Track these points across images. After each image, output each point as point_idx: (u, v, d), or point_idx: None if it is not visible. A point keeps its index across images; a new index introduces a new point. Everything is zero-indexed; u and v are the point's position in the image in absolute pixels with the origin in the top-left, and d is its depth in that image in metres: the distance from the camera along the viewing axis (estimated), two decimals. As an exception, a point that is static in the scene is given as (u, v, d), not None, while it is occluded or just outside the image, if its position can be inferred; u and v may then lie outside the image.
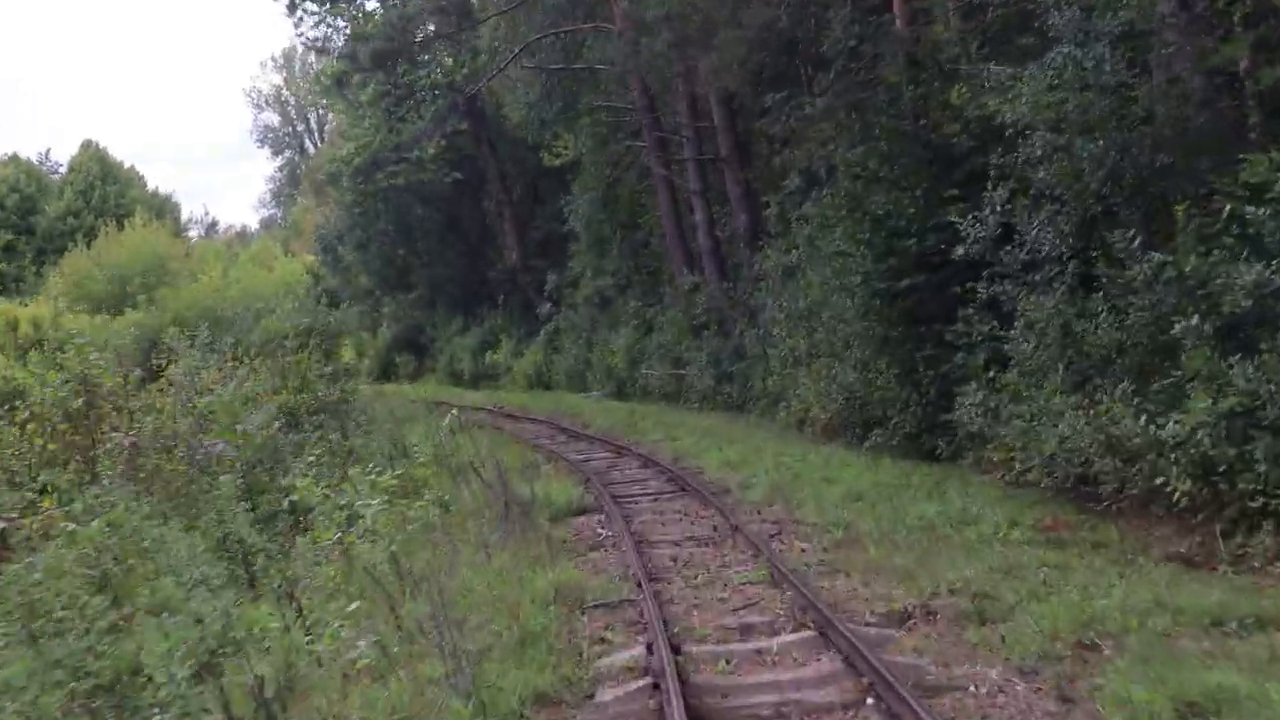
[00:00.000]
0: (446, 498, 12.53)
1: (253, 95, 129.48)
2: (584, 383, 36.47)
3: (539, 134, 39.35)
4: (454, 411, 18.54)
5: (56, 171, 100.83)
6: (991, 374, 13.85)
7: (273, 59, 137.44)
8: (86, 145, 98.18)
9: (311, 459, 13.45)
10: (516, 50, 31.04)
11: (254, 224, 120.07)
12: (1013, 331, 13.36)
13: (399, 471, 12.71)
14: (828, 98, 19.93)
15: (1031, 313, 12.64)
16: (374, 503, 9.37)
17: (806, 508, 12.48)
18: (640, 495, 14.84)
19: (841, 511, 11.85)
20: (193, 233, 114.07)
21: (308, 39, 41.36)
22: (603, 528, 12.53)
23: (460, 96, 47.03)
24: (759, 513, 12.81)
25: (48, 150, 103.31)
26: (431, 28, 44.84)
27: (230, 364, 20.14)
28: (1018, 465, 12.81)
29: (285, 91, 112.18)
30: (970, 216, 13.37)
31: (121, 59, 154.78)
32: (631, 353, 31.77)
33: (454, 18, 46.92)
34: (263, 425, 12.43)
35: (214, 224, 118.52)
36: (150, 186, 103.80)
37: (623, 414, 25.80)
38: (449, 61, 41.92)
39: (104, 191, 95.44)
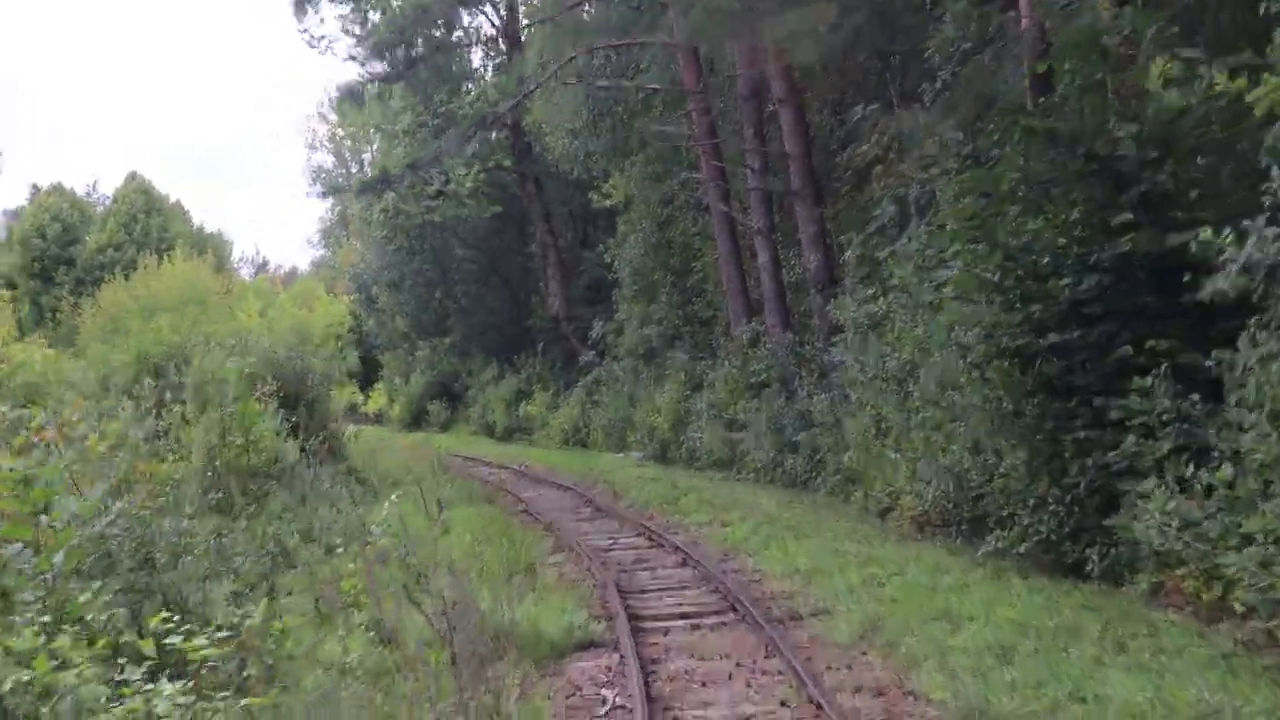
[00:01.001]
0: (385, 623, 8.38)
1: (307, 135, 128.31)
2: (623, 442, 32.35)
3: (584, 167, 35.65)
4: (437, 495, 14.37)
5: (103, 203, 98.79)
6: (1187, 469, 9.63)
7: (328, 97, 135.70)
8: (131, 177, 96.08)
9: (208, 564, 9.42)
10: (562, 62, 27.20)
11: (304, 264, 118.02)
12: (1227, 409, 9.18)
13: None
14: (939, 106, 15.84)
15: (1273, 385, 8.43)
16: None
17: (924, 669, 8.25)
18: (673, 619, 10.68)
19: (984, 684, 7.58)
20: (244, 271, 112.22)
21: (312, 37, 37.63)
22: (609, 685, 8.36)
23: (502, 124, 43.66)
24: (849, 667, 8.62)
25: (94, 182, 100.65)
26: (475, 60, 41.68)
27: (146, 411, 16.26)
28: (1238, 606, 8.61)
29: (339, 132, 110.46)
30: (1226, 233, 8.92)
31: (182, 103, 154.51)
32: (678, 411, 27.64)
33: (498, 40, 43.70)
34: (104, 512, 8.27)
35: (265, 263, 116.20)
36: (196, 222, 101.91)
37: (664, 485, 21.63)
38: (491, 89, 38.40)
39: (147, 224, 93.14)
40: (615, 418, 32.98)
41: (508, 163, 44.41)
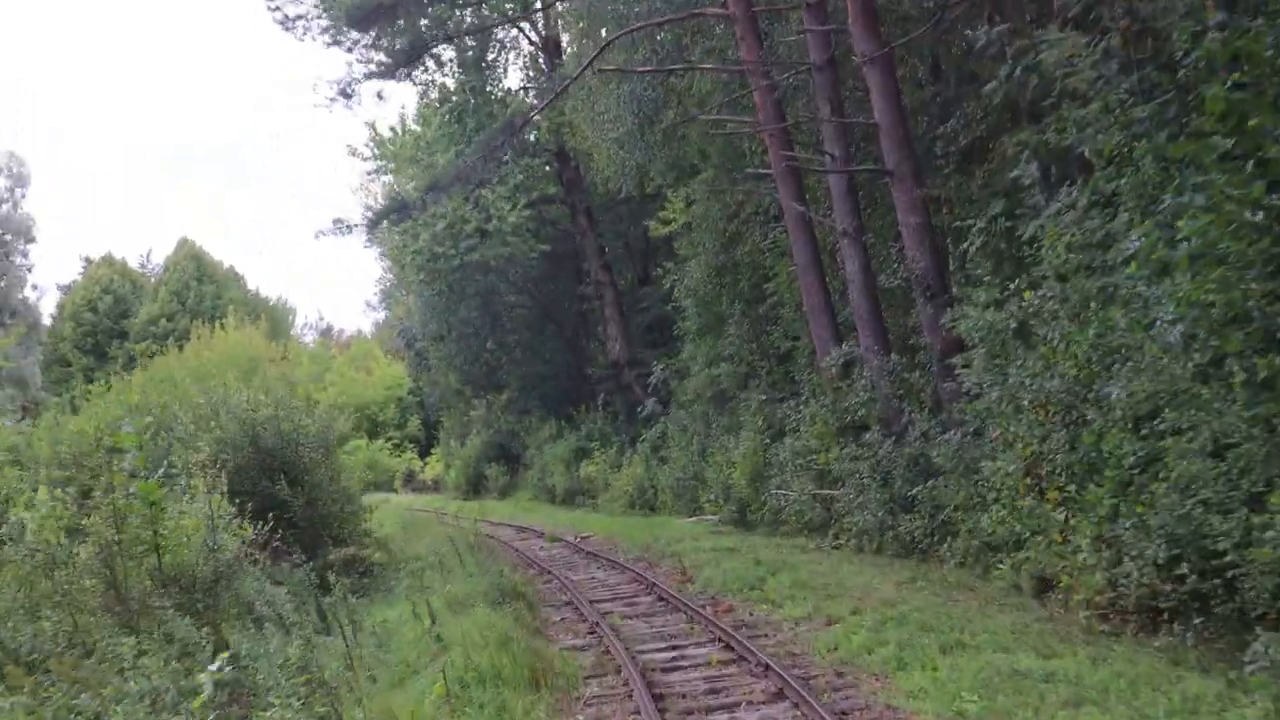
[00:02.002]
0: None
1: (360, 194, 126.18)
2: (695, 504, 27.67)
3: (637, 185, 31.25)
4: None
5: (155, 273, 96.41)
6: None
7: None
8: (182, 243, 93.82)
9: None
10: (601, 47, 22.96)
11: (368, 328, 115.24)
12: None
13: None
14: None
15: None
16: None
17: None
18: None
19: None
20: (307, 337, 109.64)
21: (286, 17, 33.67)
22: None
23: (545, 149, 39.68)
24: None
25: (149, 251, 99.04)
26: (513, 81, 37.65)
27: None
28: None
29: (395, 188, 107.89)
30: None
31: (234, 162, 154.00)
32: (756, 464, 22.94)
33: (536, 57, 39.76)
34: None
35: (328, 329, 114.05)
36: (251, 287, 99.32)
37: (744, 560, 16.89)
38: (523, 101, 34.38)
39: (199, 292, 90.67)
40: (684, 476, 28.36)
41: (553, 190, 40.31)
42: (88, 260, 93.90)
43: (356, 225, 39.46)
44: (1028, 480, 12.63)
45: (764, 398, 24.27)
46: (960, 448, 14.88)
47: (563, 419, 42.43)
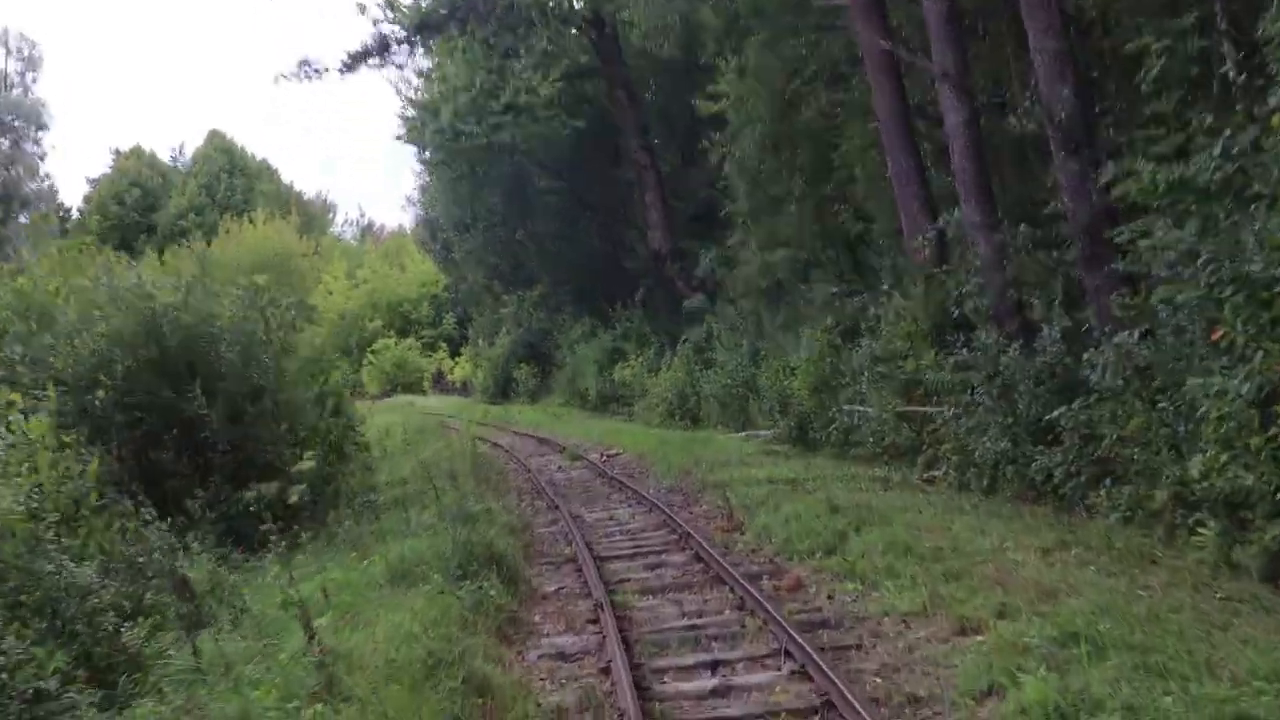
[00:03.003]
0: None
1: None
2: (745, 416, 23.41)
3: (683, 47, 26.52)
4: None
5: (186, 167, 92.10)
6: None
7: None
8: (212, 136, 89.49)
9: None
10: None
11: (409, 224, 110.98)
12: None
13: None
14: None
15: None
16: None
17: None
18: None
19: None
20: (347, 235, 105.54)
21: None
22: None
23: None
24: None
25: (181, 145, 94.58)
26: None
27: None
28: None
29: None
30: None
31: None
32: (821, 372, 18.52)
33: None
34: None
35: (370, 225, 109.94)
36: (287, 180, 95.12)
37: (813, 502, 12.42)
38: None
39: (230, 185, 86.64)
40: (733, 383, 24.04)
41: (585, 59, 35.39)
42: (117, 153, 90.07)
43: (328, 69, 34.37)
44: (1261, 410, 8.18)
45: (833, 290, 19.75)
46: (1123, 358, 10.37)
47: (597, 316, 38.15)
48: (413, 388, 63.81)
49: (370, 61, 33.24)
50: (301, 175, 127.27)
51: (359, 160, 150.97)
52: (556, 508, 15.30)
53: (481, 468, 19.92)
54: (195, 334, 13.05)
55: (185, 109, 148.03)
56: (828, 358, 18.54)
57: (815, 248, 21.96)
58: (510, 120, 34.22)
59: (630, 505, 15.39)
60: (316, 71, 33.26)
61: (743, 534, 12.29)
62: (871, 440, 16.16)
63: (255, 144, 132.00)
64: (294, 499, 11.63)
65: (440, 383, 63.37)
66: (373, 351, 66.51)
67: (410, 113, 36.84)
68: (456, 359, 62.27)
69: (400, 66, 33.81)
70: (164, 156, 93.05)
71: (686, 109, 35.52)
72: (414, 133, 36.74)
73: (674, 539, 12.41)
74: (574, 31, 37.19)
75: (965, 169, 15.05)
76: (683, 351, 28.55)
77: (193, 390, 12.41)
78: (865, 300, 18.75)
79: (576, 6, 35.02)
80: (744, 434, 22.34)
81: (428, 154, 37.52)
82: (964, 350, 14.09)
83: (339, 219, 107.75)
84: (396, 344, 66.60)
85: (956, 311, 14.79)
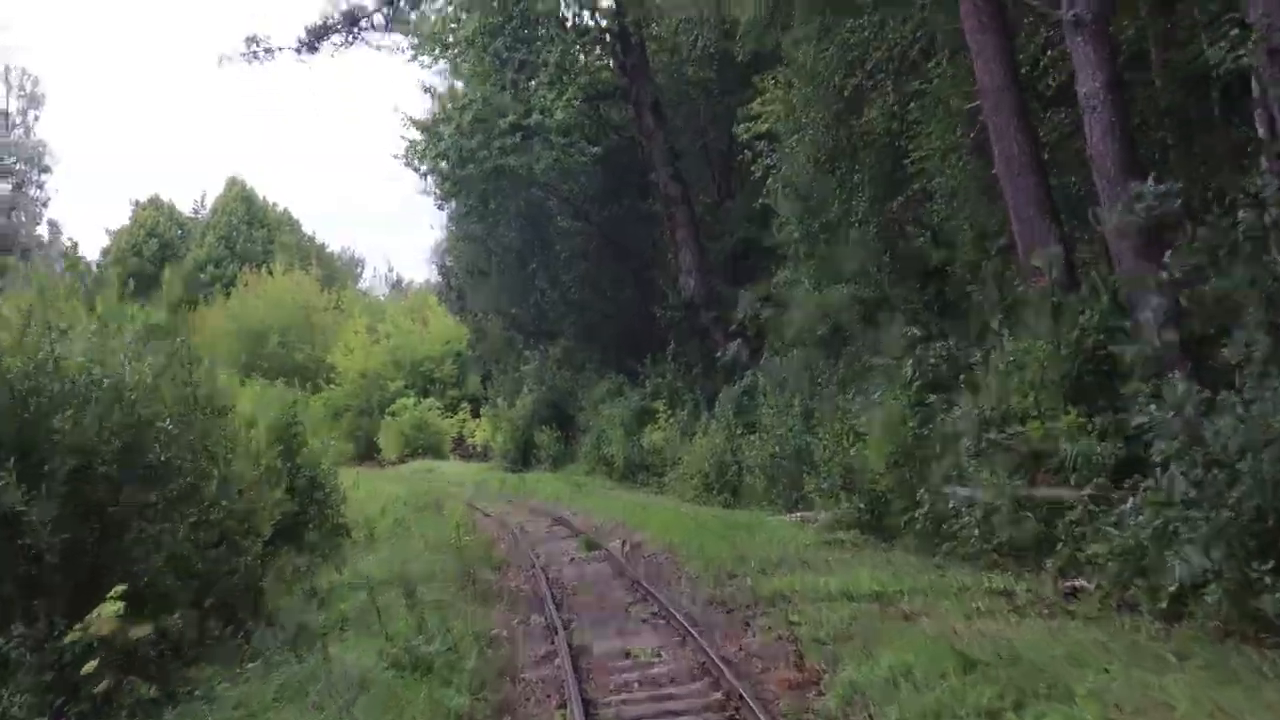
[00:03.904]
0: None
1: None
2: (797, 491, 19.24)
3: (718, 42, 22.77)
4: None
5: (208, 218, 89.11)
6: None
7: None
8: (231, 183, 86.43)
9: None
10: None
11: (435, 279, 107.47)
12: None
13: None
14: None
15: None
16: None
17: None
18: None
19: None
20: (378, 290, 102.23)
21: None
22: None
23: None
24: None
25: (203, 195, 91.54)
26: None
27: None
28: None
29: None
30: None
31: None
32: (902, 439, 14.35)
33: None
34: None
35: (399, 281, 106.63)
36: (308, 231, 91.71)
37: (932, 650, 8.05)
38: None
39: (249, 236, 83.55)
40: (781, 452, 19.88)
41: (606, 75, 31.66)
42: (135, 203, 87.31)
43: (283, 49, 30.52)
44: None
45: (914, 333, 15.63)
46: None
47: (624, 373, 34.10)
48: (433, 451, 59.81)
49: (334, 39, 29.55)
50: (330, 230, 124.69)
51: (390, 216, 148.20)
52: (555, 632, 11.16)
53: (474, 562, 15.88)
54: (25, 389, 9.07)
55: (210, 158, 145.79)
56: (910, 422, 14.40)
57: (883, 282, 17.87)
58: (520, 143, 30.40)
59: (656, 630, 11.16)
60: (268, 51, 29.65)
61: (821, 693, 8.11)
62: (978, 533, 11.95)
63: (280, 195, 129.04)
64: (140, 634, 7.64)
65: (460, 447, 59.32)
66: (390, 413, 62.67)
67: (412, 134, 33.14)
68: (479, 420, 58.30)
69: (377, 47, 30.05)
70: (185, 205, 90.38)
71: (721, 137, 31.83)
72: (414, 154, 32.91)
73: (718, 699, 8.26)
74: (597, 51, 33.69)
75: (1108, 153, 11.02)
76: (721, 413, 24.41)
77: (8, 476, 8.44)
78: (955, 346, 14.71)
79: (601, 22, 31.41)
80: (795, 516, 18.17)
81: (429, 181, 33.71)
82: (1111, 410, 10.07)
83: (367, 274, 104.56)
84: (416, 405, 62.69)
85: (1104, 352, 10.75)
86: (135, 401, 9.98)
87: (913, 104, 16.76)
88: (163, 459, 10.35)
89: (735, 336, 26.34)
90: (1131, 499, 9.09)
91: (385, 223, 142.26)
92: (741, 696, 7.79)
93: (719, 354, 25.86)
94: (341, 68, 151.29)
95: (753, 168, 21.95)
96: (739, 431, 22.99)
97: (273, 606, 11.35)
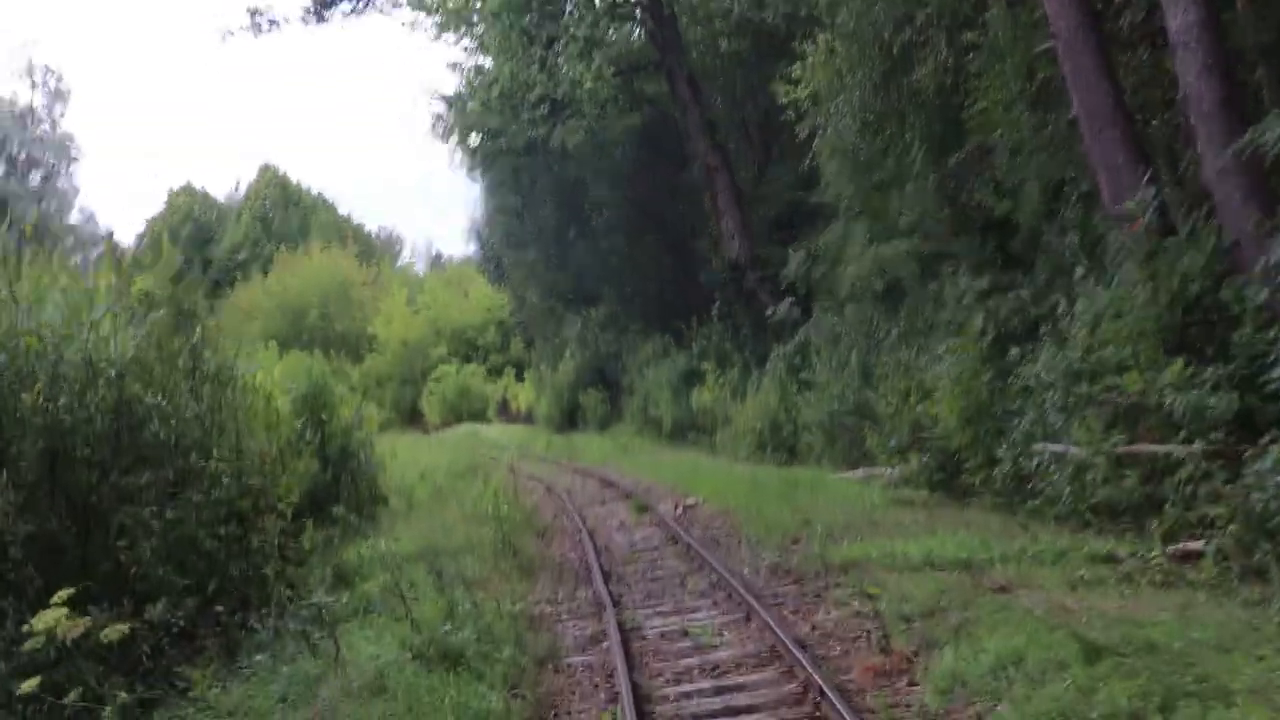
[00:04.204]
0: None
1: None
2: (859, 448, 18.23)
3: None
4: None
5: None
6: None
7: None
8: (265, 169, 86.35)
9: None
10: None
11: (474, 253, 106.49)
12: None
13: None
14: None
15: None
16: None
17: None
18: None
19: None
20: (419, 267, 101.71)
21: None
22: None
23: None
24: None
25: (237, 183, 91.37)
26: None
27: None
28: None
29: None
30: None
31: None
32: (977, 394, 13.34)
33: None
34: None
35: (438, 257, 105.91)
36: (344, 212, 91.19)
37: (1046, 634, 7.10)
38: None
39: (284, 217, 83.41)
40: (840, 408, 18.88)
41: (637, 43, 30.50)
42: (171, 191, 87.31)
43: (289, 19, 29.58)
44: None
45: (982, 285, 14.53)
46: None
47: (670, 334, 33.15)
48: (478, 416, 59.26)
49: (342, 6, 28.63)
50: (368, 211, 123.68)
51: (431, 194, 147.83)
52: (603, 608, 10.23)
53: (516, 530, 15.00)
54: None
55: (245, 149, 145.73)
56: (984, 375, 13.34)
57: (943, 233, 16.74)
58: (549, 116, 29.33)
59: (716, 605, 10.28)
60: (273, 23, 28.79)
61: (914, 684, 7.12)
62: (1069, 493, 10.88)
63: (316, 179, 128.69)
64: (113, 636, 6.71)
65: (506, 411, 58.69)
66: (434, 380, 62.10)
67: (440, 108, 32.08)
68: (522, 384, 57.62)
69: (384, 11, 29.10)
70: (219, 192, 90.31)
71: (757, 108, 30.65)
72: (442, 129, 31.84)
73: (793, 691, 7.30)
74: (627, 27, 32.56)
75: (1205, 92, 10.00)
76: (774, 370, 23.46)
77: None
78: (1029, 298, 13.63)
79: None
80: (859, 473, 17.21)
81: (459, 155, 32.62)
82: (1222, 361, 9.03)
83: (406, 252, 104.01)
84: (458, 371, 62.08)
85: (1209, 300, 9.65)
86: (121, 377, 9.07)
87: (969, 56, 15.54)
88: (160, 437, 9.46)
89: (784, 296, 25.29)
90: (1265, 456, 8.00)
91: (425, 201, 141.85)
92: (822, 690, 6.82)
93: (769, 313, 24.75)
94: (376, 51, 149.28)
95: (797, 128, 20.66)
96: (793, 389, 21.97)
97: (289, 590, 10.45)
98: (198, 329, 11.77)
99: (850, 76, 18.55)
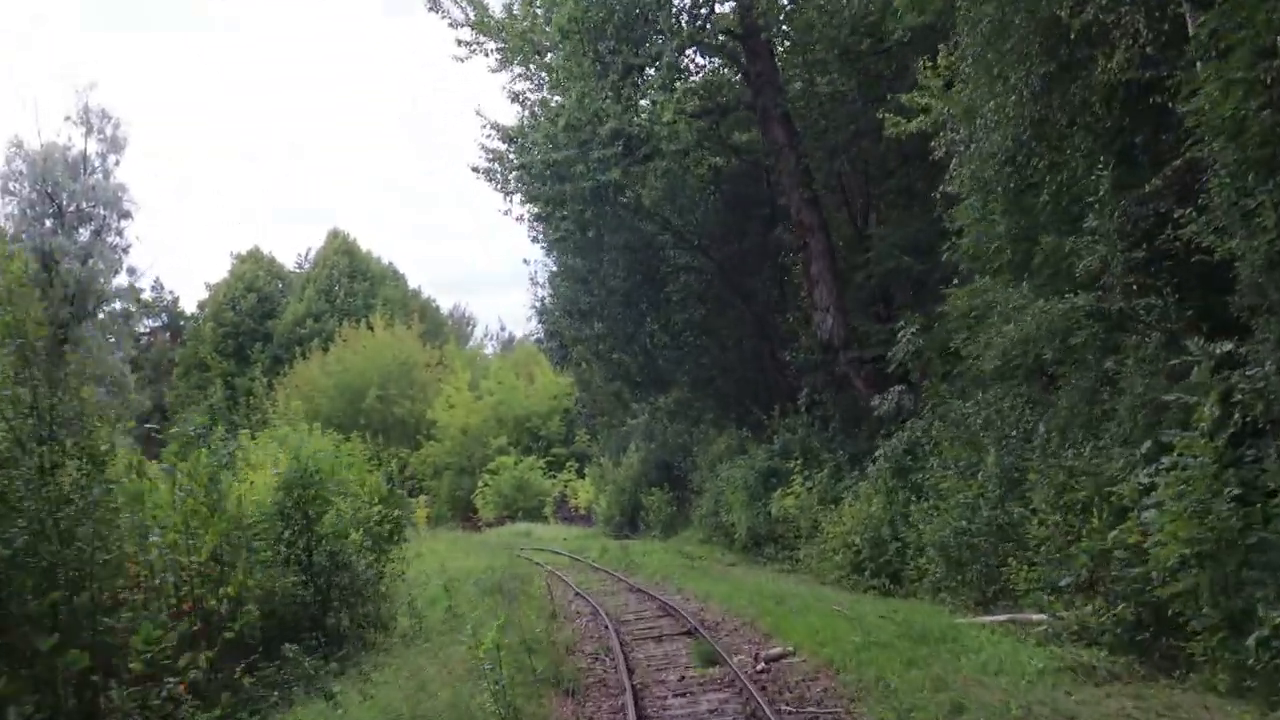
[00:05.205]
0: None
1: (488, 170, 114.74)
2: (993, 581, 13.75)
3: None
4: None
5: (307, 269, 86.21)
6: None
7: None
8: (334, 235, 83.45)
9: None
10: None
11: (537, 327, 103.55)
12: None
13: None
14: None
15: None
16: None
17: None
18: None
19: None
20: (489, 349, 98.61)
21: None
22: None
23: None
24: None
25: (308, 250, 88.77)
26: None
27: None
28: None
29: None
30: None
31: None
32: (1211, 519, 8.85)
33: None
34: None
35: (510, 339, 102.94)
36: (413, 285, 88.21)
37: None
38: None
39: (350, 289, 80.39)
40: (972, 527, 14.38)
41: (729, 80, 26.74)
42: (236, 257, 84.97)
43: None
44: None
45: (1220, 351, 10.16)
46: None
47: (747, 427, 28.86)
48: (533, 514, 54.94)
49: None
50: (441, 290, 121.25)
51: (506, 275, 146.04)
52: None
53: (532, 689, 10.73)
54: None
55: (319, 216, 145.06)
56: (1224, 489, 8.92)
57: (1132, 285, 12.33)
58: (623, 156, 25.31)
59: None
60: None
61: None
62: None
63: (393, 254, 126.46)
64: None
65: (564, 508, 54.34)
66: (489, 471, 58.01)
67: (494, 142, 28.30)
68: (583, 480, 53.37)
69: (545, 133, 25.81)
70: (287, 260, 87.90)
71: (860, 155, 26.71)
72: (496, 169, 27.92)
73: None
74: (716, 62, 28.91)
75: None
76: (877, 473, 18.96)
77: None
78: (1271, 372, 9.28)
79: (721, 9, 26.54)
80: (1000, 618, 12.71)
81: (512, 201, 28.71)
82: None
83: (478, 333, 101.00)
84: (516, 463, 57.94)
85: None
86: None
87: (1163, 51, 11.37)
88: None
89: (879, 383, 21.00)
90: None
91: (499, 283, 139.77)
92: None
93: (875, 402, 20.44)
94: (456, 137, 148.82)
95: (931, 146, 16.55)
96: (901, 498, 17.52)
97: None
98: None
99: (1001, 83, 14.39)
